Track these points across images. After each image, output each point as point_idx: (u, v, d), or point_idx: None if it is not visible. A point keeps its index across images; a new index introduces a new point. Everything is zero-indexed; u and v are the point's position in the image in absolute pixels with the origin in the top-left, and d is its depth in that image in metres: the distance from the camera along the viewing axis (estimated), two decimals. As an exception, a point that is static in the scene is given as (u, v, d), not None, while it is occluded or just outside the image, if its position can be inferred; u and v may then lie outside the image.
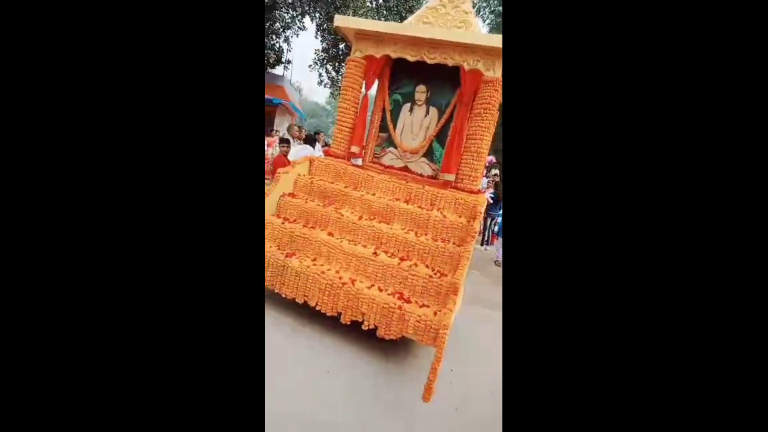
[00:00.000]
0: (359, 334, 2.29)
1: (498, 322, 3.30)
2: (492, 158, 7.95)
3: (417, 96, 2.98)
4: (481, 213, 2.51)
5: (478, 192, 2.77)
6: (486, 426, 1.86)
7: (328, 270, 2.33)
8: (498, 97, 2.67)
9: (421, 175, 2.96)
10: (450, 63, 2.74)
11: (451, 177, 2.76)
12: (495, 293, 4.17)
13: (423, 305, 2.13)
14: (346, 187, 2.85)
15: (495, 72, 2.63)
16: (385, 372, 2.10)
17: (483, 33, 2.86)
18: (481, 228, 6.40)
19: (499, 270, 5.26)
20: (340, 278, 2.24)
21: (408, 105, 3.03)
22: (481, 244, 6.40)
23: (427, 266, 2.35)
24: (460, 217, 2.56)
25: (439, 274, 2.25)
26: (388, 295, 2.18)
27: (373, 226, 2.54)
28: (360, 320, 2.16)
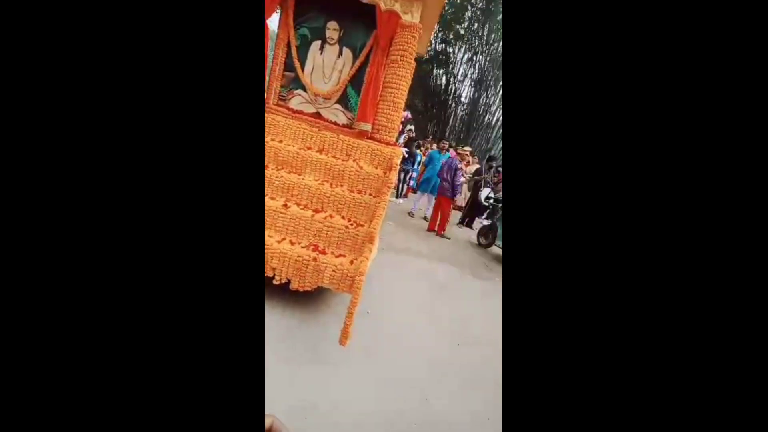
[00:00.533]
0: (271, 289, 2.16)
1: (409, 266, 3.52)
2: (407, 113, 8.01)
3: (328, 34, 2.67)
4: (397, 165, 2.49)
5: (395, 144, 2.73)
6: (400, 361, 2.00)
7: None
8: (415, 45, 2.55)
9: (335, 123, 2.76)
10: (365, -1, 2.48)
11: (367, 127, 2.64)
12: (408, 241, 4.40)
13: (339, 255, 2.08)
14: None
15: (413, 17, 2.48)
16: (300, 324, 2.06)
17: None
18: (396, 180, 6.57)
19: (413, 220, 5.54)
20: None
21: (318, 43, 2.69)
22: (396, 197, 6.60)
23: (343, 217, 2.28)
24: (376, 168, 2.50)
25: (355, 225, 2.21)
26: (302, 248, 2.06)
27: (282, 176, 2.32)
28: (271, 275, 2.02)
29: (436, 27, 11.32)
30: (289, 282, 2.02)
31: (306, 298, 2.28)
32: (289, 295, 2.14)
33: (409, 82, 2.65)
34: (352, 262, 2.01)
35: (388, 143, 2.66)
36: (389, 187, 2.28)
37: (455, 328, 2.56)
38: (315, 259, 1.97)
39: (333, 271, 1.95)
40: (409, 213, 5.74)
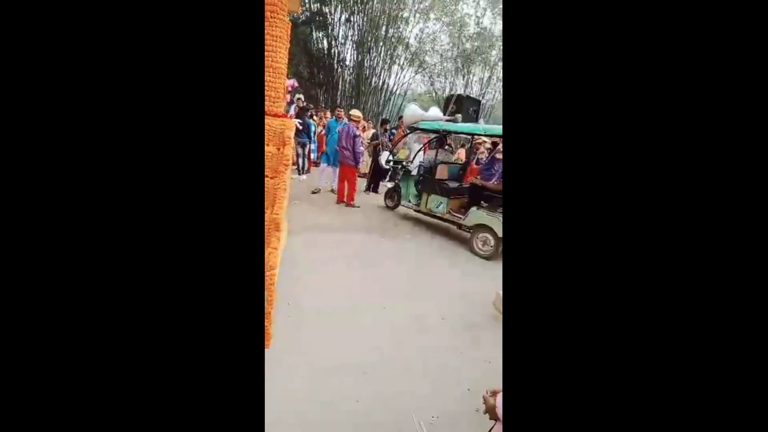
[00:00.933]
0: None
1: (323, 242, 3.39)
2: (293, 82, 7.36)
3: None
4: (291, 139, 2.22)
5: (285, 116, 2.43)
6: (331, 346, 1.92)
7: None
8: (286, 1, 2.21)
9: (208, 98, 2.29)
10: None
11: (247, 99, 2.26)
12: (318, 217, 4.22)
13: (244, 252, 1.81)
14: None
15: (276, -37, 2.11)
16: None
17: None
18: (295, 156, 6.12)
19: (320, 195, 5.30)
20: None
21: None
22: (298, 174, 6.20)
23: (239, 207, 1.97)
24: (268, 145, 2.19)
25: (256, 214, 1.93)
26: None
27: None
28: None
29: (307, -17, 10.38)
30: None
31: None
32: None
33: (287, 44, 2.32)
34: (261, 256, 1.77)
35: (276, 115, 2.34)
36: (286, 165, 2.04)
37: (377, 292, 2.59)
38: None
39: (240, 270, 1.69)
40: (313, 191, 5.43)
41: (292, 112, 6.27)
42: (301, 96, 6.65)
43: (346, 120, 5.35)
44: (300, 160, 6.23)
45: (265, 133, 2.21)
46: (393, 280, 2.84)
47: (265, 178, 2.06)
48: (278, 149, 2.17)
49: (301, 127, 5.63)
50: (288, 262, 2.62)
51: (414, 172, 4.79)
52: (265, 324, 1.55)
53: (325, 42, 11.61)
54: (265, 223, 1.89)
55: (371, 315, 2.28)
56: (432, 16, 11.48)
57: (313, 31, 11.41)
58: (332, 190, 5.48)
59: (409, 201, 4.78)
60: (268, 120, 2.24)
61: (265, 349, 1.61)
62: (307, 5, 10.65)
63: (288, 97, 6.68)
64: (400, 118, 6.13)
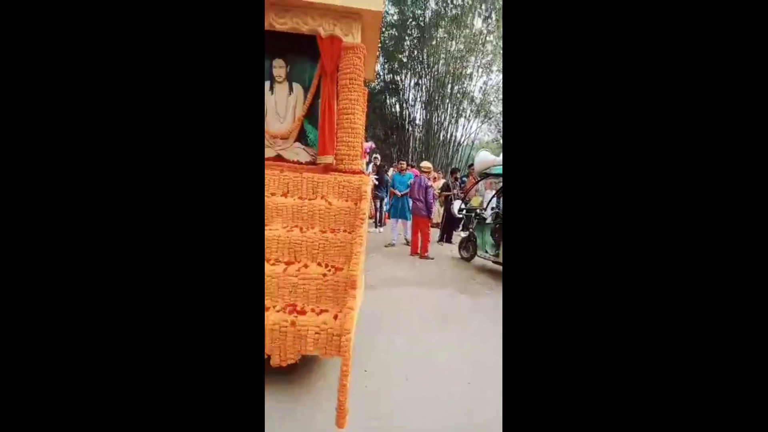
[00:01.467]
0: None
1: (399, 297, 3.18)
2: (371, 143, 7.90)
3: (275, 72, 2.43)
4: (367, 194, 2.21)
5: (360, 172, 2.47)
6: (411, 418, 1.62)
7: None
8: (362, 66, 2.37)
9: (298, 162, 2.47)
10: (304, 30, 2.28)
11: (329, 159, 2.37)
12: (393, 270, 4.07)
13: (321, 311, 1.72)
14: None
15: (354, 37, 2.30)
16: (292, 404, 1.64)
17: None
18: (373, 210, 6.29)
19: (395, 248, 5.22)
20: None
21: (267, 84, 2.45)
22: (375, 227, 6.30)
23: (319, 264, 1.94)
24: (346, 201, 2.21)
25: (333, 270, 1.88)
26: (278, 312, 1.69)
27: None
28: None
29: (382, 59, 11.65)
30: (268, 359, 1.61)
31: (292, 374, 1.86)
32: (271, 373, 1.71)
33: (364, 106, 2.44)
34: (336, 317, 1.65)
35: (354, 172, 2.39)
36: (363, 219, 1.99)
37: (459, 359, 2.23)
38: (293, 324, 1.60)
39: (316, 333, 1.58)
40: (386, 245, 5.31)
41: (369, 170, 6.61)
42: (378, 156, 7.00)
43: (410, 171, 5.34)
44: (377, 214, 6.36)
45: (344, 189, 2.25)
46: (474, 346, 2.46)
47: (343, 234, 2.03)
48: (355, 203, 2.17)
49: (377, 183, 5.82)
50: (366, 319, 2.47)
51: (489, 220, 4.44)
52: (339, 398, 1.37)
53: (397, 106, 12.56)
54: (342, 280, 1.81)
55: (453, 387, 1.93)
56: (495, 68, 11.66)
57: (387, 97, 12.48)
58: (406, 242, 5.36)
59: (486, 251, 4.38)
60: (345, 177, 2.29)
61: (339, 429, 1.40)
62: (381, 76, 11.82)
63: (367, 157, 7.15)
64: (470, 165, 5.97)
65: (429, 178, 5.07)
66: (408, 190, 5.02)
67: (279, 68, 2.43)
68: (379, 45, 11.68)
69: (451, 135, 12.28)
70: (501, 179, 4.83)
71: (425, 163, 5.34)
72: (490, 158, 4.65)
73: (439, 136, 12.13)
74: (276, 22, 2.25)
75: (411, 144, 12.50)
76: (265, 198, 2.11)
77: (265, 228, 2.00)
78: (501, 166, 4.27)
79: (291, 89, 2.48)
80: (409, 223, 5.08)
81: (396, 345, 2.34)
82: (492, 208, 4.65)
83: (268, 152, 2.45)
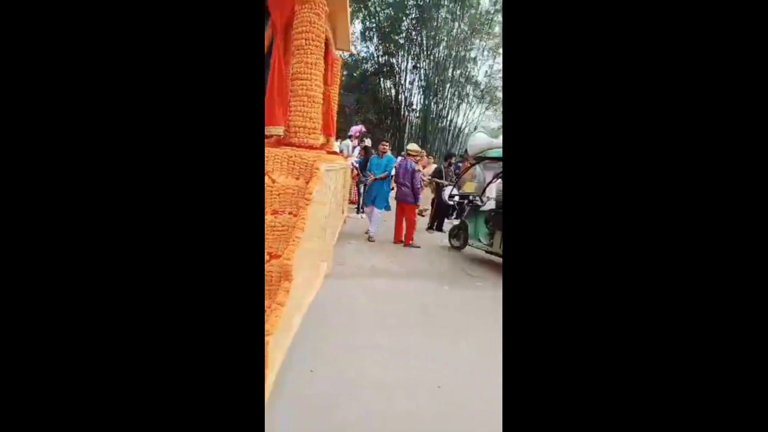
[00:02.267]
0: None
1: (376, 290, 2.87)
2: (361, 127, 7.51)
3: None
4: (320, 171, 1.88)
5: (318, 147, 2.13)
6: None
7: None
8: (321, 24, 2.00)
9: (246, 135, 2.14)
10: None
11: (279, 131, 2.03)
12: (373, 259, 3.76)
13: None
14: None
15: (309, -13, 1.93)
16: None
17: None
18: (355, 195, 5.95)
19: (378, 235, 4.88)
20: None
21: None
22: (357, 212, 5.96)
23: (254, 251, 1.63)
24: (297, 179, 1.88)
25: (269, 258, 1.57)
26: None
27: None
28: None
29: (376, 40, 11.10)
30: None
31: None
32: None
33: (323, 68, 2.08)
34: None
35: (310, 147, 2.06)
36: (307, 200, 1.67)
37: (439, 368, 1.93)
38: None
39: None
40: (368, 236, 4.59)
41: (355, 154, 6.25)
42: (369, 141, 6.59)
43: (389, 154, 4.87)
44: (360, 199, 6.02)
45: (295, 165, 1.92)
46: (459, 353, 2.15)
47: (287, 216, 1.72)
48: (306, 182, 1.84)
49: (362, 166, 5.43)
50: (330, 312, 2.17)
51: (485, 207, 4.10)
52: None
53: (392, 90, 12.07)
54: (275, 271, 1.50)
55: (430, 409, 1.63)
56: (501, 52, 11.11)
57: (381, 80, 11.98)
58: (367, 236, 4.57)
59: (479, 241, 4.05)
60: (298, 152, 1.95)
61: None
62: (375, 58, 11.32)
63: (356, 141, 6.77)
64: (466, 151, 5.57)
65: (416, 162, 4.70)
66: (383, 174, 4.57)
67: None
68: (374, 25, 11.07)
69: (451, 121, 11.81)
70: (500, 163, 4.38)
71: (412, 146, 4.94)
72: (486, 140, 4.26)
73: (437, 122, 11.66)
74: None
75: (407, 129, 12.04)
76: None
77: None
78: (499, 149, 3.89)
79: (240, 51, 2.13)
80: (377, 211, 4.52)
81: (358, 344, 2.05)
82: (490, 198, 4.28)
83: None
